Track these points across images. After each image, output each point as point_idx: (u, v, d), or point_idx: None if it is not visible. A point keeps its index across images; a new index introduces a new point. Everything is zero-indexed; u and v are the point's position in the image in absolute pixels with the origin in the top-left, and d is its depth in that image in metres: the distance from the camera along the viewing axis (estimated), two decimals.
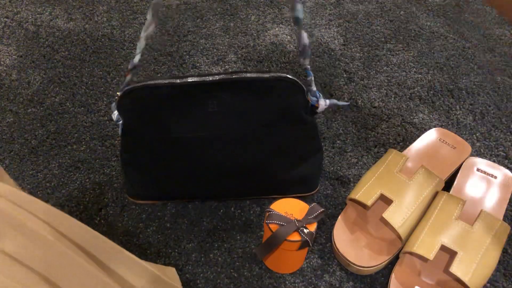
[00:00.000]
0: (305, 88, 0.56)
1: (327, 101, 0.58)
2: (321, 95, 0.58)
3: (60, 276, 0.34)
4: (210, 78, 0.54)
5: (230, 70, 0.54)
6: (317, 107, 0.58)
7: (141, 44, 0.53)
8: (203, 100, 0.55)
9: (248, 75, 0.54)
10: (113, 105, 0.57)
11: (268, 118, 0.57)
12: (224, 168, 0.61)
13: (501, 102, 0.87)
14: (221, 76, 0.54)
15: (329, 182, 0.71)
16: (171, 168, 0.61)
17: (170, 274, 0.52)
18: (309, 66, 0.55)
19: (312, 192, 0.68)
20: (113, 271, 0.40)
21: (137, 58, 0.54)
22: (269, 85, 0.55)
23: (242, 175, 0.62)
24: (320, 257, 0.62)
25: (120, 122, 0.58)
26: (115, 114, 0.57)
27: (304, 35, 0.52)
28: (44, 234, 0.34)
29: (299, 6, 0.50)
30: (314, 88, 0.57)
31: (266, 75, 0.55)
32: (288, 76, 0.55)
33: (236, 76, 0.54)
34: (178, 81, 0.54)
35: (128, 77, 0.55)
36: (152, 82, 0.54)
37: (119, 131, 0.59)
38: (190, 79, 0.54)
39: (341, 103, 0.58)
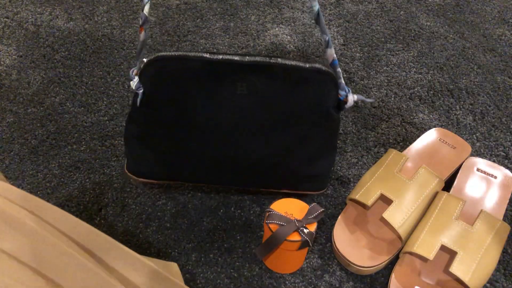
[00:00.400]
0: (338, 84, 0.54)
1: (355, 96, 0.55)
2: (349, 89, 0.55)
3: (58, 272, 0.34)
4: (246, 58, 0.51)
5: (266, 54, 0.52)
6: (346, 102, 0.55)
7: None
8: (232, 81, 0.52)
9: (287, 61, 0.52)
10: (132, 71, 0.53)
11: (296, 110, 0.55)
12: (242, 157, 0.58)
13: (501, 102, 0.87)
14: (257, 58, 0.51)
15: (329, 182, 0.71)
16: (185, 147, 0.57)
17: (173, 270, 0.52)
18: (335, 56, 0.52)
19: (321, 191, 0.66)
20: (112, 267, 0.39)
21: (146, 8, 0.49)
22: (305, 76, 0.52)
23: (257, 166, 0.59)
24: (320, 257, 0.62)
25: (140, 91, 0.54)
26: (135, 81, 0.53)
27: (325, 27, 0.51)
28: (40, 230, 0.34)
29: (314, 2, 0.49)
30: (343, 81, 0.54)
31: (305, 65, 0.52)
32: (326, 70, 0.52)
33: (273, 60, 0.51)
34: (209, 56, 0.51)
35: (142, 34, 0.51)
36: (181, 53, 0.51)
37: (138, 101, 0.54)
38: (223, 56, 0.51)
39: (368, 99, 0.55)
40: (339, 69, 0.53)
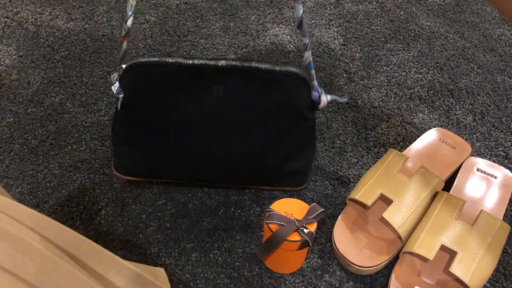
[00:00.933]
0: (311, 85, 0.56)
1: (328, 97, 0.57)
2: (322, 90, 0.57)
3: (42, 279, 0.33)
4: (220, 62, 0.53)
5: (240, 57, 0.54)
6: (319, 103, 0.58)
7: (131, 5, 0.51)
8: (208, 84, 0.55)
9: (259, 65, 0.54)
10: (113, 76, 0.55)
11: (270, 110, 0.57)
12: (219, 154, 0.61)
13: (501, 102, 0.87)
14: (231, 62, 0.53)
15: (329, 182, 0.71)
16: (167, 148, 0.60)
17: (158, 275, 0.52)
18: (311, 59, 0.55)
19: (300, 187, 0.68)
20: (96, 272, 0.39)
21: (130, 21, 0.52)
22: (278, 78, 0.54)
23: (236, 163, 0.62)
24: (320, 257, 0.62)
25: (121, 95, 0.56)
26: (116, 86, 0.55)
27: (306, 32, 0.53)
28: (23, 237, 0.33)
29: (298, 6, 0.51)
30: (316, 83, 0.57)
31: (277, 68, 0.54)
32: (298, 72, 0.54)
33: (246, 64, 0.54)
34: (185, 61, 0.53)
35: (125, 44, 0.53)
36: (157, 59, 0.53)
37: (118, 105, 0.57)
38: (197, 61, 0.53)
39: (341, 99, 0.57)
40: (313, 71, 0.56)
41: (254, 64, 0.54)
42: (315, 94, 0.57)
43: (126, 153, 0.63)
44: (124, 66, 0.54)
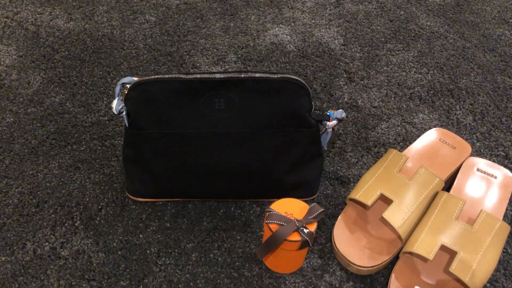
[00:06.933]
0: (310, 91, 0.57)
1: (334, 122, 0.60)
2: (337, 118, 0.60)
3: None
4: (219, 75, 0.55)
5: (238, 70, 0.56)
6: (328, 120, 0.60)
7: (117, 90, 0.55)
8: (210, 98, 0.56)
9: (257, 75, 0.55)
10: (115, 100, 0.57)
11: (273, 119, 0.58)
12: (225, 167, 0.61)
13: (501, 102, 0.87)
14: (230, 75, 0.55)
15: (329, 182, 0.71)
16: (173, 165, 0.61)
17: None
18: (341, 115, 0.60)
19: (311, 197, 0.68)
20: None
21: (115, 103, 0.56)
22: (276, 86, 0.56)
23: (242, 175, 0.62)
24: (320, 257, 0.62)
25: (123, 113, 0.58)
26: (115, 103, 0.57)
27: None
28: None
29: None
30: (336, 118, 0.60)
31: (274, 76, 0.55)
32: (296, 78, 0.56)
33: (244, 75, 0.55)
34: (186, 76, 0.55)
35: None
36: (160, 76, 0.55)
37: (126, 123, 0.59)
38: (198, 76, 0.55)
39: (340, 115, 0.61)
40: (335, 115, 0.60)
41: (251, 75, 0.55)
42: (332, 116, 0.60)
43: (135, 174, 0.64)
44: (128, 86, 0.57)
